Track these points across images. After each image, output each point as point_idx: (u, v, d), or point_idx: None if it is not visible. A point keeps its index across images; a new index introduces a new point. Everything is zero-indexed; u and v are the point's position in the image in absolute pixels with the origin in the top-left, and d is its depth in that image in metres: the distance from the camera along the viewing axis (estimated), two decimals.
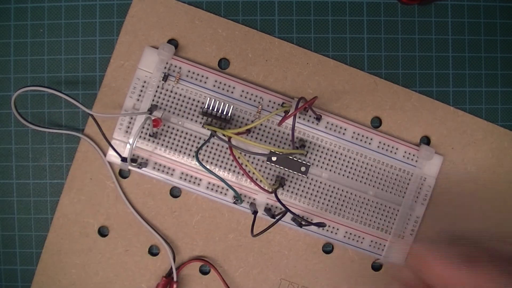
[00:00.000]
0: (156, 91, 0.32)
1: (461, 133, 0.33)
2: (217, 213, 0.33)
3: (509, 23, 0.34)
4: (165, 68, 0.32)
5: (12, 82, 0.33)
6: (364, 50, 0.34)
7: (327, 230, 0.33)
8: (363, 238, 0.33)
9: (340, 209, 0.33)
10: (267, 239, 0.33)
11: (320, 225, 0.29)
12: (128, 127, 0.32)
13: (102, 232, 0.34)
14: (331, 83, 0.33)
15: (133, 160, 0.32)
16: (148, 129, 0.32)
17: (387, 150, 0.33)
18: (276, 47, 0.33)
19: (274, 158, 0.32)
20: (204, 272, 0.34)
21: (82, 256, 0.33)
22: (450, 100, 0.34)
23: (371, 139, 0.33)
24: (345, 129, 0.33)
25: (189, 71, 0.32)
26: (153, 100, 0.32)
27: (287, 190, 0.33)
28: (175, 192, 0.34)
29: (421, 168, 0.33)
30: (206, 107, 0.32)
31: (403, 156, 0.33)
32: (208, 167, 0.32)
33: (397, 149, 0.33)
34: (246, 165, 0.33)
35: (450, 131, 0.33)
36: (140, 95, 0.32)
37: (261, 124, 0.33)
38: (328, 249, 0.34)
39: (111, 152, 0.33)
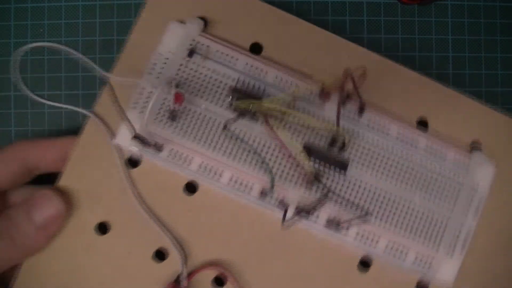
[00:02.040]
0: (179, 69, 0.28)
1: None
2: (239, 215, 0.29)
3: (509, 23, 0.34)
4: (190, 45, 0.29)
5: (12, 83, 0.33)
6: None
7: (365, 242, 0.28)
8: (407, 253, 0.28)
9: (381, 218, 0.28)
10: (292, 250, 0.29)
11: (365, 217, 0.25)
12: (144, 107, 0.28)
13: (102, 229, 0.29)
14: (373, 76, 0.29)
15: (147, 143, 0.28)
16: (167, 106, 0.28)
17: (435, 155, 0.29)
18: (315, 34, 0.30)
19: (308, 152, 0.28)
20: (219, 283, 0.29)
21: (76, 256, 0.28)
22: None
23: (418, 141, 0.29)
24: (389, 127, 0.29)
25: (217, 51, 0.29)
26: (175, 79, 0.28)
27: (321, 191, 0.28)
28: (191, 187, 0.29)
29: (472, 177, 0.29)
30: (236, 83, 0.28)
31: (453, 163, 0.29)
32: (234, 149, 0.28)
33: (446, 154, 0.29)
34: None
35: (501, 138, 0.30)
36: (160, 73, 0.28)
37: (297, 109, 0.29)
38: (364, 265, 0.29)
39: (121, 133, 0.28)
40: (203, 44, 0.29)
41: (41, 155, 0.29)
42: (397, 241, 0.28)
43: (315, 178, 0.27)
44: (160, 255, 0.29)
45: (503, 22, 0.34)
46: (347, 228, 0.28)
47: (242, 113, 0.28)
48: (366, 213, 0.26)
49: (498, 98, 0.34)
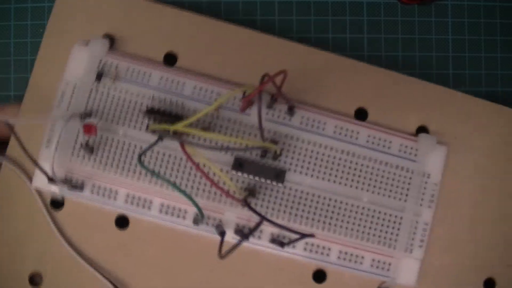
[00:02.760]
0: (90, 96, 0.26)
1: (464, 119, 0.28)
2: (178, 243, 0.27)
3: (509, 23, 0.34)
4: (98, 67, 0.26)
5: (12, 82, 0.33)
6: (364, 50, 0.34)
7: (317, 252, 0.26)
8: (363, 257, 0.27)
9: (329, 223, 0.26)
10: (241, 271, 0.27)
11: (307, 236, 0.23)
12: (58, 143, 0.25)
13: (34, 281, 0.26)
14: (303, 71, 0.27)
15: (66, 183, 0.26)
16: (80, 140, 0.26)
17: (378, 144, 0.27)
18: (233, 35, 0.28)
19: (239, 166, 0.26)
20: None
21: None
22: None
23: (358, 132, 0.27)
24: (324, 123, 0.27)
25: (128, 69, 0.26)
26: (86, 106, 0.26)
27: (260, 205, 0.26)
28: (122, 221, 0.27)
29: (422, 163, 0.27)
30: (150, 104, 0.26)
31: (399, 151, 0.27)
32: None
33: (390, 142, 0.27)
34: (206, 168, 0.26)
35: (450, 117, 0.28)
36: (70, 102, 0.26)
37: (221, 118, 0.26)
38: (320, 276, 0.27)
39: (38, 175, 0.26)
40: (111, 64, 0.26)
41: None
42: (350, 247, 0.27)
43: (245, 199, 0.25)
44: None
45: (503, 22, 0.34)
46: (293, 242, 0.26)
47: (161, 136, 0.25)
48: (310, 235, 0.24)
49: (498, 98, 0.34)
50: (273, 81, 0.24)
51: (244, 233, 0.26)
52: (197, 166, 0.24)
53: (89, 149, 0.26)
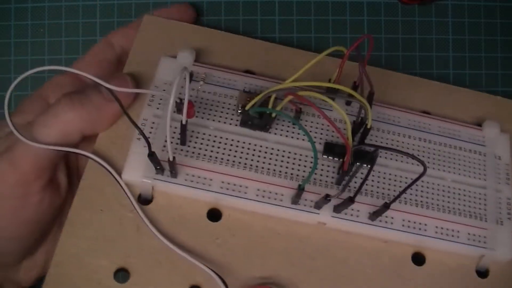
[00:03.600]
0: (180, 94, 0.27)
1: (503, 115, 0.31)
2: (272, 232, 0.26)
3: (510, 23, 0.34)
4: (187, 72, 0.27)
5: (12, 82, 0.33)
6: (364, 50, 0.34)
7: (414, 228, 0.27)
8: (458, 231, 0.27)
9: (421, 201, 0.27)
10: (341, 257, 0.27)
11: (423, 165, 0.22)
12: (149, 138, 0.26)
13: (121, 277, 0.25)
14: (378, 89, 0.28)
15: (161, 166, 0.25)
16: (172, 134, 0.26)
17: (449, 133, 0.29)
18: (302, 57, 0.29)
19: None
20: None
21: None
22: None
23: (430, 124, 0.29)
24: (398, 117, 0.29)
25: (214, 76, 0.28)
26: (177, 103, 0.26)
27: (354, 184, 0.27)
28: (215, 215, 0.26)
29: (491, 147, 0.29)
30: (243, 89, 0.28)
31: (468, 138, 0.29)
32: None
33: (459, 131, 0.29)
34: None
35: (502, 116, 0.30)
36: (160, 103, 0.27)
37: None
38: (419, 259, 0.27)
39: (128, 168, 0.25)
40: (198, 73, 0.28)
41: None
42: (444, 221, 0.27)
43: (353, 161, 0.26)
44: None
45: (504, 22, 0.34)
46: (392, 218, 0.27)
47: (262, 104, 0.26)
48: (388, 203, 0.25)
49: None
50: (361, 66, 0.25)
51: (348, 198, 0.25)
52: (322, 112, 0.23)
53: (182, 140, 0.26)
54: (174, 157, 0.24)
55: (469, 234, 0.27)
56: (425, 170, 0.23)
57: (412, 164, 0.28)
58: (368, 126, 0.26)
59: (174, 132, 0.26)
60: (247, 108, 0.26)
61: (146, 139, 0.24)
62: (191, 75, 0.27)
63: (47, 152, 0.25)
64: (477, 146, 0.29)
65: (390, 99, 0.30)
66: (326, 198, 0.25)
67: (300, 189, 0.25)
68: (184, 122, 0.24)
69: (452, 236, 0.27)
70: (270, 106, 0.26)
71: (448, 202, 0.28)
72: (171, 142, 0.26)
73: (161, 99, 0.27)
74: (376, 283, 0.27)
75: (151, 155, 0.24)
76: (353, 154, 0.26)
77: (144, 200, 0.26)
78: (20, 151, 0.25)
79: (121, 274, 0.25)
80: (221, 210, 0.27)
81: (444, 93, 0.31)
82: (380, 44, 0.34)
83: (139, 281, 0.25)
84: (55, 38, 0.33)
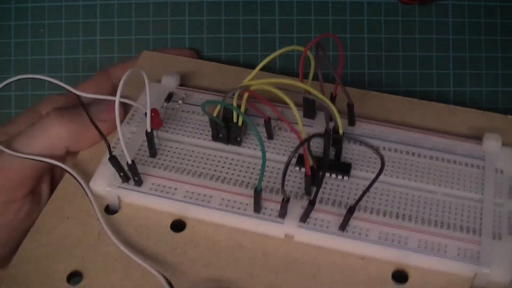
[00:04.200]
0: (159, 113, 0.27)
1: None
2: (236, 245, 0.25)
3: (510, 23, 0.34)
4: (169, 94, 0.29)
5: (12, 83, 0.33)
6: (364, 50, 0.34)
7: (393, 240, 0.24)
8: (446, 245, 0.24)
9: (402, 213, 0.25)
10: (310, 273, 0.24)
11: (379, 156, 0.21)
12: (122, 151, 0.25)
13: (74, 280, 0.25)
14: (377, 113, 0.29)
15: (124, 178, 0.26)
16: (143, 151, 0.27)
17: (443, 148, 0.28)
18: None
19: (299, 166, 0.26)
20: None
21: None
22: (451, 100, 0.34)
23: (421, 139, 0.28)
24: (387, 132, 0.28)
25: (194, 97, 0.29)
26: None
27: (327, 200, 0.25)
28: (179, 225, 0.26)
29: (491, 161, 0.27)
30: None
31: (465, 152, 0.27)
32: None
33: (455, 145, 0.28)
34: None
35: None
36: (139, 122, 0.28)
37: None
38: (400, 277, 0.24)
39: (96, 178, 0.26)
40: (179, 93, 0.29)
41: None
42: (429, 236, 0.24)
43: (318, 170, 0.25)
44: None
45: (504, 22, 0.34)
46: (367, 230, 0.24)
47: (225, 112, 0.26)
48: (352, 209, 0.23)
49: (498, 98, 0.34)
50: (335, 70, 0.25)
51: (310, 201, 0.24)
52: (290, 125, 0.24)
53: (152, 153, 0.27)
54: (133, 161, 0.25)
55: (459, 249, 0.24)
56: (383, 165, 0.21)
57: (386, 175, 0.26)
58: (340, 131, 0.25)
59: (142, 145, 0.27)
60: (214, 114, 0.26)
61: (106, 141, 0.25)
62: (171, 95, 0.29)
63: (32, 162, 0.26)
64: (474, 160, 0.27)
65: (384, 119, 0.29)
66: (283, 200, 0.24)
67: (257, 192, 0.24)
68: (149, 130, 0.25)
69: (438, 250, 0.24)
70: (234, 114, 0.26)
71: (436, 215, 0.25)
72: (139, 160, 0.27)
73: (141, 117, 0.28)
74: None
75: (112, 159, 0.25)
76: (330, 166, 0.26)
77: (112, 211, 0.26)
78: (7, 158, 0.26)
79: (75, 278, 0.25)
80: (186, 222, 0.26)
81: (442, 113, 0.30)
82: (380, 44, 0.34)
83: (90, 284, 0.25)
84: (55, 38, 0.33)
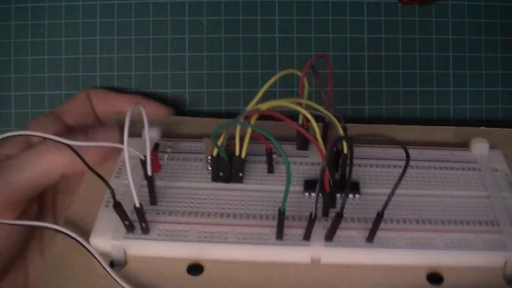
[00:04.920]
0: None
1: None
2: (263, 279, 0.24)
3: (510, 23, 0.34)
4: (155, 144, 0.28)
5: (12, 83, 0.33)
6: (364, 50, 0.34)
7: (421, 243, 0.24)
8: (471, 239, 0.25)
9: (422, 219, 0.25)
10: None
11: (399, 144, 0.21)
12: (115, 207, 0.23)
13: None
14: None
15: (129, 228, 0.24)
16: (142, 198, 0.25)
17: (438, 158, 0.29)
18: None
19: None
20: None
21: None
22: (450, 100, 0.34)
23: (417, 153, 0.29)
24: (381, 152, 0.29)
25: (180, 146, 0.29)
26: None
27: (344, 218, 0.24)
28: (196, 268, 0.24)
29: (484, 162, 0.28)
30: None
31: (458, 159, 0.29)
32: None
33: (448, 155, 0.29)
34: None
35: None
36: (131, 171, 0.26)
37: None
38: (435, 279, 0.24)
39: (96, 234, 0.24)
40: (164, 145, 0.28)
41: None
42: (453, 233, 0.25)
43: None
44: None
45: (504, 22, 0.34)
46: (393, 238, 0.24)
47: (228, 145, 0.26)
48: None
49: (498, 98, 0.34)
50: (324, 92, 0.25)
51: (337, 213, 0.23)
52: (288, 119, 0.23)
53: (152, 200, 0.25)
54: (141, 204, 0.23)
55: (484, 240, 0.25)
56: (408, 157, 0.21)
57: (405, 188, 0.27)
58: (345, 151, 0.25)
59: (138, 196, 0.24)
60: (215, 151, 0.25)
61: (110, 187, 0.23)
62: (157, 146, 0.27)
63: (24, 186, 0.25)
64: (469, 164, 0.28)
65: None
66: (311, 217, 0.23)
67: (281, 214, 0.23)
68: (149, 174, 0.24)
69: (466, 245, 0.24)
70: (237, 140, 0.25)
71: (452, 215, 0.26)
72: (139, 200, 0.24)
73: (131, 167, 0.25)
74: None
75: (117, 206, 0.23)
76: (336, 184, 0.25)
77: (118, 266, 0.24)
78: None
79: None
80: (203, 264, 0.24)
81: (424, 134, 0.31)
82: (380, 44, 0.34)
83: None
84: (55, 38, 0.33)
